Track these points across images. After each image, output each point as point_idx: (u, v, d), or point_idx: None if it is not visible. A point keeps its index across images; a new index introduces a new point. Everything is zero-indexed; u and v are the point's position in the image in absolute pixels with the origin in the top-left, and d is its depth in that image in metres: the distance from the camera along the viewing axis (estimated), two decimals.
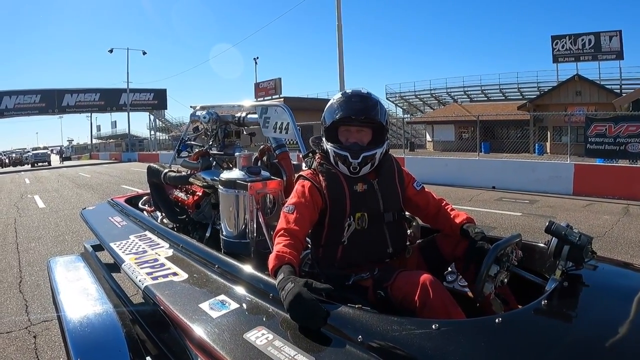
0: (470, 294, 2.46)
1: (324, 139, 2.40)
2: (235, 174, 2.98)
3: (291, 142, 3.61)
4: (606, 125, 12.97)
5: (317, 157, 2.43)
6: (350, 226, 2.23)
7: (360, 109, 2.27)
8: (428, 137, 43.30)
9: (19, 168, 42.85)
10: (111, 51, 50.61)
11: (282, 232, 2.11)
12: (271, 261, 1.96)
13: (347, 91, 2.40)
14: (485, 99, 46.28)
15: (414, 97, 52.18)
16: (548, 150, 28.19)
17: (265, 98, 40.43)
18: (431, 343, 1.48)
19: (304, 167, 2.54)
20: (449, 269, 2.64)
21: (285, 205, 2.28)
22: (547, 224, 1.97)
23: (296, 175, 2.47)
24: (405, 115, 47.60)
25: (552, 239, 1.95)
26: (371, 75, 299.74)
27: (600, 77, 34.06)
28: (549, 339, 1.51)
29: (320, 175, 2.32)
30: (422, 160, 18.23)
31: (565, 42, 34.32)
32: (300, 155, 2.71)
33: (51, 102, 53.88)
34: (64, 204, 13.50)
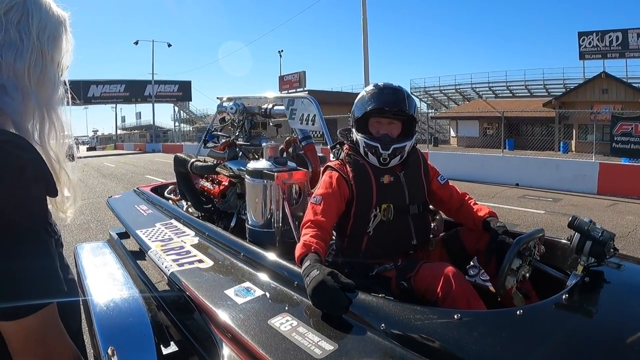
0: (492, 288, 2.47)
1: (354, 129, 2.42)
2: (262, 164, 3.01)
3: (316, 134, 3.63)
4: (632, 124, 12.80)
5: (345, 148, 2.46)
6: (376, 217, 2.26)
7: (393, 100, 2.30)
8: (452, 133, 42.86)
9: None
10: (136, 43, 50.79)
11: (309, 223, 2.14)
12: (298, 249, 2.00)
13: (379, 83, 2.43)
14: (511, 95, 45.50)
15: (438, 92, 51.56)
16: (573, 149, 27.80)
17: (290, 91, 40.35)
18: (453, 332, 1.50)
19: (331, 158, 2.57)
20: (472, 263, 2.65)
21: (313, 196, 2.31)
22: (570, 219, 1.98)
23: (323, 166, 2.50)
24: (430, 111, 47.16)
25: (574, 234, 1.94)
26: (396, 69, 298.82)
27: (628, 75, 33.33)
28: (569, 333, 1.53)
29: (347, 166, 2.35)
30: (446, 156, 18.03)
31: (593, 39, 33.57)
32: (328, 147, 2.74)
33: (77, 92, 52.83)
34: (88, 192, 13.58)
